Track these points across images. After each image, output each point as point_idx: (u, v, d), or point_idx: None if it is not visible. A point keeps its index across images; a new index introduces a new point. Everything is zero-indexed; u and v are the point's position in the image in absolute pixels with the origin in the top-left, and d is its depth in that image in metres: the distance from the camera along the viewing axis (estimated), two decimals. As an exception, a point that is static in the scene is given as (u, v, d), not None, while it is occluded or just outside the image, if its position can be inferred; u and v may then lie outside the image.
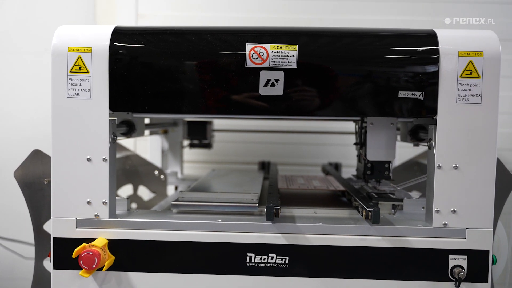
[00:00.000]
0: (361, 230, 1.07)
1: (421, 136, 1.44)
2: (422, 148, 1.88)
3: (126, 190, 1.85)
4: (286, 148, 2.34)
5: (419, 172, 1.83)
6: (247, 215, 1.16)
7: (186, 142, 2.07)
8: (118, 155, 1.77)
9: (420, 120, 1.32)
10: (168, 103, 1.09)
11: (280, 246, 1.08)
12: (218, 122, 2.20)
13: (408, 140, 1.54)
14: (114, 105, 1.08)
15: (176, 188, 1.94)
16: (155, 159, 1.99)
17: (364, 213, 1.08)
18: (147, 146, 2.07)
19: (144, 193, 1.87)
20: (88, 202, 1.09)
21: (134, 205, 1.85)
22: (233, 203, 1.17)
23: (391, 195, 1.24)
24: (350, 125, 2.10)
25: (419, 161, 1.85)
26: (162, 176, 1.85)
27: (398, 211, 1.24)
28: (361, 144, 1.36)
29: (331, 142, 2.31)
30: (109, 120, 1.09)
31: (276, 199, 1.15)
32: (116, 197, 1.17)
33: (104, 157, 1.08)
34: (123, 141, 1.86)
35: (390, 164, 1.27)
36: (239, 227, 1.09)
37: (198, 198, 1.20)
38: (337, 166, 2.07)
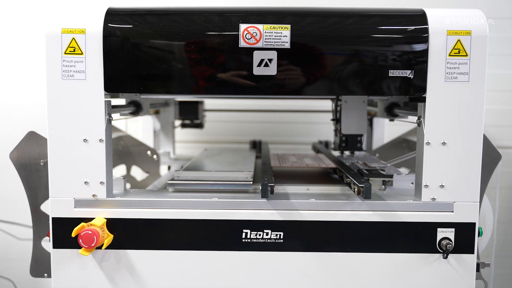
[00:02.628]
0: (353, 206, 1.11)
1: (395, 112, 1.59)
2: (410, 125, 1.92)
3: (119, 171, 1.87)
4: (277, 127, 2.37)
5: (407, 149, 1.87)
6: (242, 192, 1.19)
7: (177, 122, 2.09)
8: (110, 136, 1.78)
9: (403, 98, 1.36)
10: (164, 83, 1.10)
11: (275, 222, 1.11)
12: (209, 102, 2.21)
13: (384, 116, 1.63)
14: (109, 86, 1.09)
15: (169, 168, 1.96)
16: (147, 139, 2.00)
17: (356, 189, 1.12)
18: (138, 127, 2.08)
19: (137, 173, 1.89)
20: (86, 183, 1.11)
21: (128, 185, 1.87)
22: (228, 181, 1.20)
23: (381, 172, 1.28)
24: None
25: (407, 138, 1.88)
26: (155, 156, 1.86)
27: (388, 186, 1.27)
28: (337, 120, 1.53)
29: (321, 120, 2.33)
30: (105, 101, 1.10)
31: (270, 177, 1.18)
32: (113, 177, 1.19)
33: (100, 138, 1.10)
34: (115, 122, 1.87)
35: (362, 137, 1.36)
36: (234, 204, 1.12)
37: (193, 177, 1.22)
38: (327, 144, 2.11)
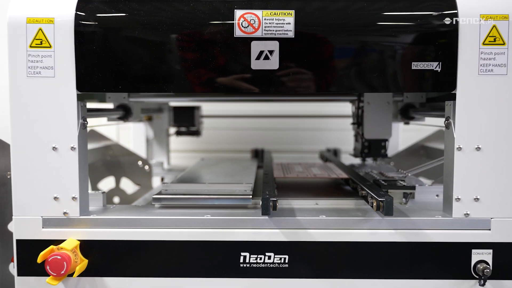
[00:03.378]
0: (371, 223, 0.94)
1: (411, 115, 1.47)
2: (427, 131, 1.75)
3: (107, 183, 1.71)
4: (281, 134, 2.21)
5: (425, 157, 1.71)
6: (240, 208, 1.02)
7: (172, 130, 1.93)
8: (97, 145, 1.63)
9: (435, 95, 1.20)
10: (147, 81, 0.94)
11: (278, 243, 0.94)
12: (207, 108, 2.05)
13: (399, 119, 1.50)
14: (82, 84, 0.93)
15: (162, 179, 1.81)
16: (139, 148, 1.85)
17: (374, 203, 0.95)
18: (130, 134, 1.92)
19: (128, 185, 1.73)
20: (55, 198, 0.95)
21: (116, 199, 1.71)
22: (224, 195, 1.04)
23: (401, 182, 1.11)
24: (348, 108, 1.98)
25: (425, 144, 1.72)
26: (146, 167, 1.71)
27: (410, 200, 1.11)
28: (358, 123, 1.39)
29: (328, 126, 2.18)
30: (78, 102, 0.94)
31: (272, 189, 1.02)
32: (90, 192, 1.03)
33: (72, 146, 0.94)
34: (103, 129, 1.71)
35: (387, 142, 1.20)
36: (230, 222, 0.95)
37: (184, 191, 1.06)
38: (336, 152, 1.95)
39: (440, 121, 1.01)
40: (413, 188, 1.09)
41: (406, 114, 1.49)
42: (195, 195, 1.04)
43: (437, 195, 1.14)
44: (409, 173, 1.20)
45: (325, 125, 2.19)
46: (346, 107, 2.04)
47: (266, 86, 0.94)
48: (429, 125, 1.55)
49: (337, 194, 1.19)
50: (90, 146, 1.57)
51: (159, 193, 1.05)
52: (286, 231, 0.94)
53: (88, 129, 1.02)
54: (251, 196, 1.03)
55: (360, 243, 0.94)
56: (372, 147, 1.34)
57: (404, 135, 1.91)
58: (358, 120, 1.38)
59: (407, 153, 1.74)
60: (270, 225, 0.95)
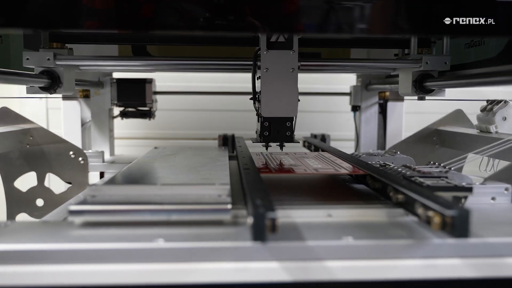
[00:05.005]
0: (428, 249, 0.59)
1: (429, 86, 1.16)
2: (440, 113, 1.44)
3: (27, 180, 1.31)
4: (254, 117, 1.85)
5: (440, 144, 1.39)
6: (213, 225, 0.65)
7: (117, 110, 1.53)
8: (10, 128, 1.23)
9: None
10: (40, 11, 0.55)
11: (279, 287, 0.58)
12: (162, 83, 1.66)
13: (413, 92, 1.16)
14: None
15: (102, 175, 1.41)
16: (72, 134, 1.46)
17: (435, 219, 0.59)
18: (61, 116, 1.51)
19: (56, 183, 1.34)
20: None
21: (40, 202, 1.31)
22: (186, 204, 0.66)
23: (449, 181, 0.77)
24: (337, 86, 1.67)
25: (440, 128, 1.40)
26: (80, 159, 1.31)
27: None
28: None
29: (314, 107, 1.83)
30: None
31: (265, 196, 0.65)
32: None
33: None
34: (28, 110, 1.30)
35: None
36: (199, 253, 0.58)
37: (121, 197, 0.68)
38: (324, 140, 1.61)
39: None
40: (470, 190, 0.75)
41: (423, 86, 1.17)
42: (139, 205, 0.66)
43: (492, 198, 0.81)
44: (451, 167, 0.86)
45: (310, 105, 1.85)
46: (334, 83, 1.70)
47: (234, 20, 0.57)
48: (448, 99, 1.24)
49: (354, 197, 0.84)
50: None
51: (82, 202, 0.67)
52: (291, 266, 0.58)
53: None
54: (229, 206, 0.66)
55: (413, 282, 0.59)
56: (273, 129, 1.04)
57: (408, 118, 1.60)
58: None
59: (416, 140, 1.42)
60: (265, 256, 0.58)
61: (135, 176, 0.90)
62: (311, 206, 0.76)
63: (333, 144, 1.70)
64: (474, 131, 1.25)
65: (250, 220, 0.55)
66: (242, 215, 0.70)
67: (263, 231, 0.55)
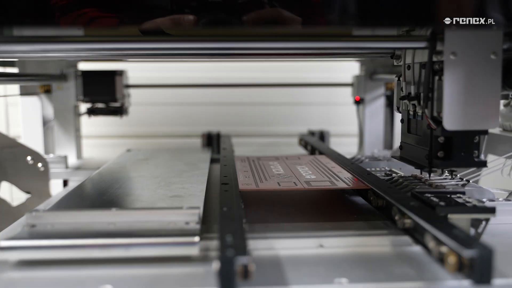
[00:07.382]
0: (443, 297, 0.52)
1: None
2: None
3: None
4: (244, 112, 1.78)
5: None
6: (177, 263, 0.58)
7: (84, 107, 1.45)
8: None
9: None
10: None
11: None
12: (137, 73, 1.57)
13: None
14: None
15: (65, 183, 1.34)
16: (33, 135, 1.37)
17: (451, 260, 0.51)
18: (18, 114, 1.43)
19: (13, 193, 1.26)
20: None
21: (-6, 215, 1.23)
22: (144, 236, 0.59)
23: (469, 200, 0.69)
24: (338, 74, 1.58)
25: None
26: (40, 165, 1.23)
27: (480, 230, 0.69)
28: (419, 97, 0.75)
29: (310, 100, 1.76)
30: None
31: (238, 230, 0.57)
32: None
33: None
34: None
35: (481, 138, 0.72)
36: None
37: (66, 226, 0.61)
38: (323, 136, 1.53)
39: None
40: (493, 211, 0.67)
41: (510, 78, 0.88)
42: (87, 239, 0.58)
43: (519, 217, 0.74)
44: (469, 180, 0.78)
45: (306, 97, 1.77)
46: (335, 71, 1.62)
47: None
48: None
49: (352, 216, 0.76)
50: None
51: (16, 236, 0.59)
52: (271, 320, 0.50)
53: None
54: (198, 238, 0.58)
55: None
56: (455, 148, 0.72)
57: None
58: (419, 91, 0.76)
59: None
60: (238, 309, 0.50)
61: (94, 191, 0.82)
62: (300, 232, 0.68)
63: (333, 140, 1.63)
64: (496, 130, 1.18)
65: (216, 265, 0.47)
66: (212, 246, 0.62)
67: (231, 279, 0.47)
